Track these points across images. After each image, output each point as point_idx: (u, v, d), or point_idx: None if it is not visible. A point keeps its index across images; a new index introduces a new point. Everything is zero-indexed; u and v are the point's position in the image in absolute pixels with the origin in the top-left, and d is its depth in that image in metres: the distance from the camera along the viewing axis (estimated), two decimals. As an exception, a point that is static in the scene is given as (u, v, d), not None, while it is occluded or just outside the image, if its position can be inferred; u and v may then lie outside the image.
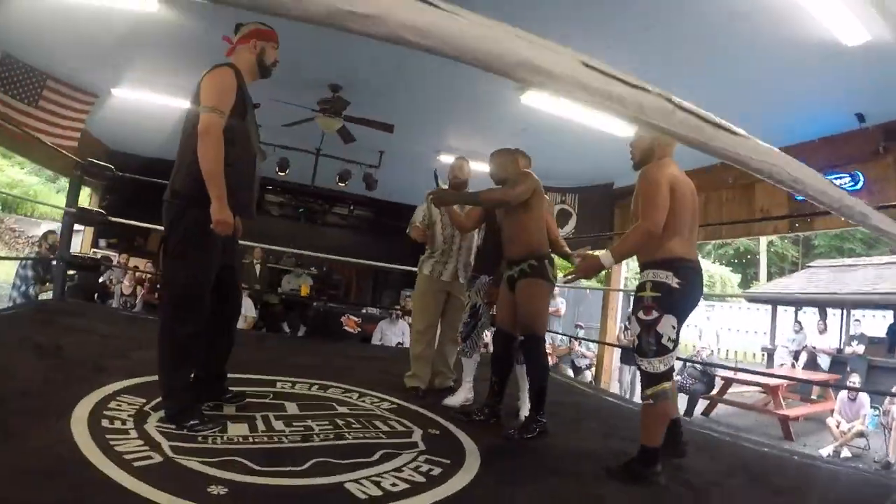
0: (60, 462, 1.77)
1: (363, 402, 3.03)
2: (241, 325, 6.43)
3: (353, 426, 2.55)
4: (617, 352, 8.01)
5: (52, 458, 1.78)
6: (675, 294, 2.17)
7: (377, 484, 1.92)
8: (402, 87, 5.12)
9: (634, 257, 2.38)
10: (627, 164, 2.55)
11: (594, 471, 2.31)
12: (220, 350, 2.52)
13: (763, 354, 13.23)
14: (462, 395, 3.29)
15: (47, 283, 6.12)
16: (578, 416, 3.44)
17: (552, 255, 3.02)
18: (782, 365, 10.77)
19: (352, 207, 10.09)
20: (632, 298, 2.36)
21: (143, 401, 2.44)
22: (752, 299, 14.85)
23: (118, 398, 2.46)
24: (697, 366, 8.26)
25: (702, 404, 8.36)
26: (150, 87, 6.03)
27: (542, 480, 2.23)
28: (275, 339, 6.52)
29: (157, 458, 1.94)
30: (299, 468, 2.00)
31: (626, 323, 8.88)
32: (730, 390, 8.47)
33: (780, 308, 13.28)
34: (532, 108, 4.88)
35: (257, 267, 8.35)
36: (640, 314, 2.21)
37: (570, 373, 8.05)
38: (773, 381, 7.84)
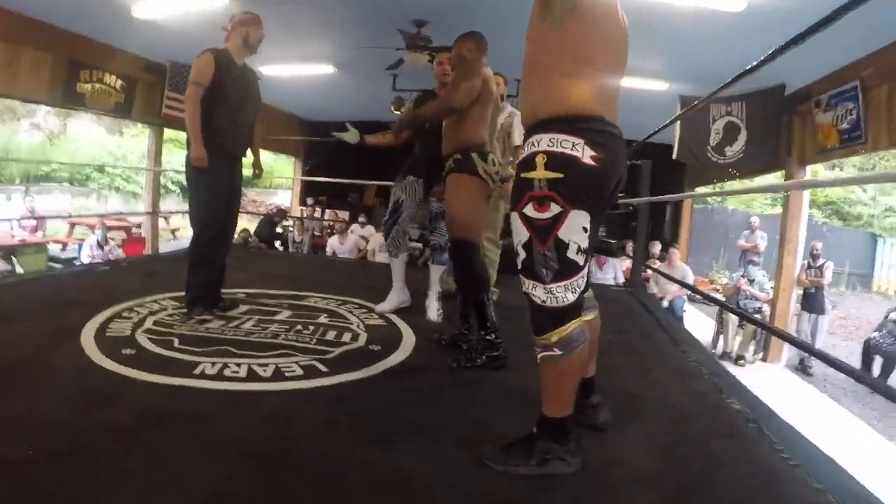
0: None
1: (356, 316, 3.40)
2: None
3: (302, 332, 2.95)
4: (796, 294, 6.87)
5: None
6: (588, 175, 1.49)
7: (223, 366, 2.34)
8: (488, 7, 5.04)
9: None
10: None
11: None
12: (216, 265, 3.30)
13: None
14: (394, 300, 3.54)
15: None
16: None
17: (486, 150, 2.73)
18: None
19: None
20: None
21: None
22: None
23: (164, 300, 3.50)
24: (896, 319, 6.77)
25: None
26: (290, 61, 7.61)
27: (400, 442, 1.81)
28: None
29: (127, 333, 2.77)
30: (201, 349, 2.56)
31: (808, 261, 7.07)
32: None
33: None
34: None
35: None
36: (529, 210, 1.52)
37: (734, 317, 7.16)
38: None
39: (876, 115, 5.00)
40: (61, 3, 5.70)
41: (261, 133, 3.58)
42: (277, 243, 9.56)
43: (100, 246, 7.84)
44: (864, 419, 5.47)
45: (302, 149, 12.33)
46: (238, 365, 2.35)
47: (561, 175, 1.48)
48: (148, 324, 2.94)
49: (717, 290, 10.55)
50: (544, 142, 1.51)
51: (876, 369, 6.74)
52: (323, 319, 3.24)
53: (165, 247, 9.00)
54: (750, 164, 6.83)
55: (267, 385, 2.17)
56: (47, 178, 17.28)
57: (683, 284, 6.17)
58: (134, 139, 20.26)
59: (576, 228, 1.50)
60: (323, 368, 2.41)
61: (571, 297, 1.53)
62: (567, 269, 1.52)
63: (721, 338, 7.34)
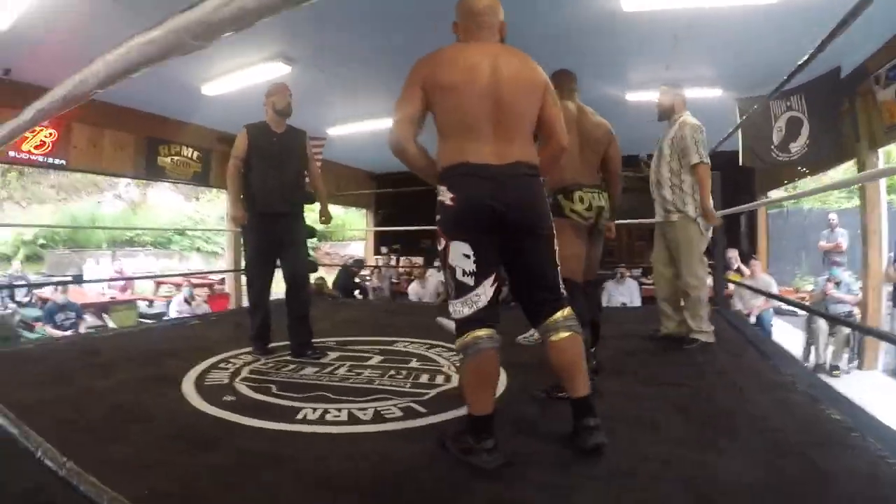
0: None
1: (447, 359, 3.36)
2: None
3: (396, 376, 2.98)
4: (886, 291, 6.48)
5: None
6: (450, 212, 1.87)
7: (324, 412, 2.37)
8: (542, 50, 5.32)
9: None
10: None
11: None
12: (292, 315, 3.55)
13: None
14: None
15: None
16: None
17: (571, 189, 2.81)
18: None
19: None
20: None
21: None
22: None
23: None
24: None
25: None
26: (355, 119, 8.20)
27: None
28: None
29: (225, 381, 2.90)
30: (299, 395, 2.63)
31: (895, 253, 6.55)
32: None
33: None
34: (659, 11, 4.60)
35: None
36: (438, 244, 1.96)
37: (823, 325, 6.89)
38: None
39: (942, 79, 4.67)
40: (137, 89, 6.29)
41: (327, 186, 3.98)
42: (357, 292, 9.74)
43: (187, 302, 8.34)
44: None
45: (373, 201, 12.88)
46: (339, 410, 2.39)
47: (439, 216, 1.91)
48: (245, 373, 3.06)
49: (804, 299, 9.97)
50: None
51: None
52: (414, 364, 3.27)
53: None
54: (817, 157, 6.52)
55: (368, 427, 2.19)
56: (131, 243, 18.55)
57: (771, 296, 5.75)
58: (210, 204, 21.57)
59: (457, 255, 1.86)
60: (421, 409, 2.41)
61: (467, 311, 1.86)
62: (459, 289, 1.87)
63: (812, 349, 6.98)
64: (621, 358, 3.33)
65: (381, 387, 2.76)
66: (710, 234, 3.71)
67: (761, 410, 2.35)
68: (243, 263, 3.93)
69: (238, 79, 5.95)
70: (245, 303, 8.90)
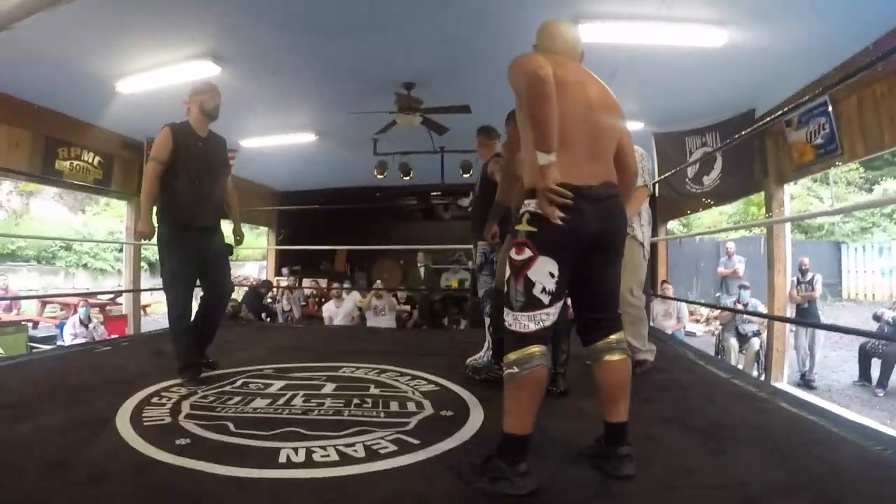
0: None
1: (406, 384, 3.22)
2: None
3: (364, 405, 2.77)
4: (790, 313, 7.22)
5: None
6: (554, 231, 1.82)
7: (310, 454, 2.08)
8: (474, 70, 5.47)
9: None
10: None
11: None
12: (203, 333, 3.43)
13: None
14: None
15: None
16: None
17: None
18: None
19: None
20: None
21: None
22: None
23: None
24: (891, 319, 7.19)
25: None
26: (272, 132, 7.76)
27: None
28: (403, 332, 7.33)
29: (168, 420, 2.51)
30: (266, 433, 2.31)
31: (798, 277, 7.41)
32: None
33: None
34: (606, 45, 4.67)
35: (422, 269, 9.07)
36: (513, 253, 1.88)
37: (734, 342, 7.42)
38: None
39: (848, 126, 5.12)
40: (41, 80, 5.59)
41: (238, 200, 3.65)
42: (263, 314, 9.24)
43: (83, 324, 7.40)
44: (877, 420, 5.48)
45: (275, 219, 12.23)
46: (323, 448, 2.13)
47: (535, 229, 1.84)
48: (186, 409, 2.69)
49: (702, 321, 10.52)
50: (532, 205, 1.86)
51: (874, 373, 6.97)
52: (375, 391, 3.07)
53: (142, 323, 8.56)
54: (728, 190, 7.10)
55: (369, 466, 1.97)
56: (13, 256, 16.65)
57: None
58: (96, 217, 19.92)
59: (542, 271, 1.82)
60: (413, 441, 2.23)
61: (533, 327, 1.82)
62: (532, 303, 1.83)
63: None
64: (581, 378, 3.16)
65: (353, 418, 2.53)
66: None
67: (746, 418, 2.50)
68: (144, 282, 3.58)
69: (160, 76, 5.28)
70: (145, 326, 8.31)
